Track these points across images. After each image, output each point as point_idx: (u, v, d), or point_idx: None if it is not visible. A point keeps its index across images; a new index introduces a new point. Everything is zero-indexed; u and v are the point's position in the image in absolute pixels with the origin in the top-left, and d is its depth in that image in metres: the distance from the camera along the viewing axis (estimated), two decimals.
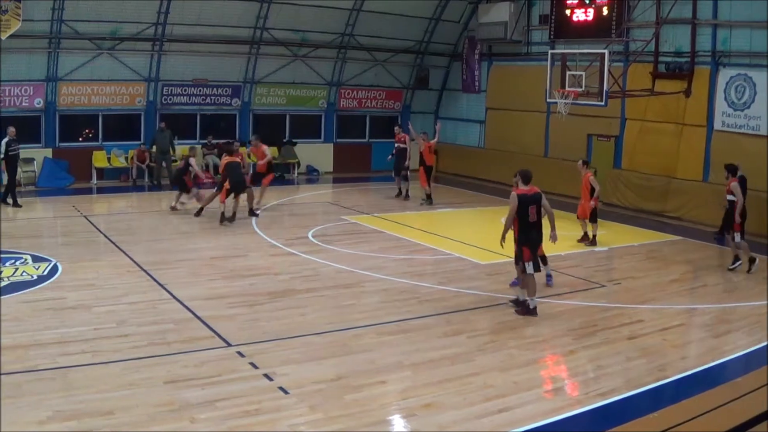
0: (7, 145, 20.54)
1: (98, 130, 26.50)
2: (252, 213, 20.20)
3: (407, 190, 24.20)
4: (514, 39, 27.80)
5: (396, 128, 24.98)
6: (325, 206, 22.22)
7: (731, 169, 16.64)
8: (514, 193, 12.20)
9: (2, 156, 20.51)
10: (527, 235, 12.19)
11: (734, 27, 20.86)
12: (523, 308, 12.42)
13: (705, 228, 20.92)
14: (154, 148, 26.15)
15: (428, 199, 23.38)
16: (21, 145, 21.26)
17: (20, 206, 20.69)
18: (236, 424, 8.03)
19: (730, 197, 16.20)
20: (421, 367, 9.93)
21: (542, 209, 12.27)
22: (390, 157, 24.91)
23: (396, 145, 24.36)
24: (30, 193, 23.04)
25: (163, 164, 26.06)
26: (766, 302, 13.51)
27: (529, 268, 12.19)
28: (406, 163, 24.01)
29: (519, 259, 12.27)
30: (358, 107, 31.51)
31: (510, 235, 12.38)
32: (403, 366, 9.99)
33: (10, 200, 20.70)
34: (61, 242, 17.35)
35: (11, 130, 20.90)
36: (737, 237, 16.11)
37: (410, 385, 9.37)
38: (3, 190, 20.96)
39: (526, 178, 12.33)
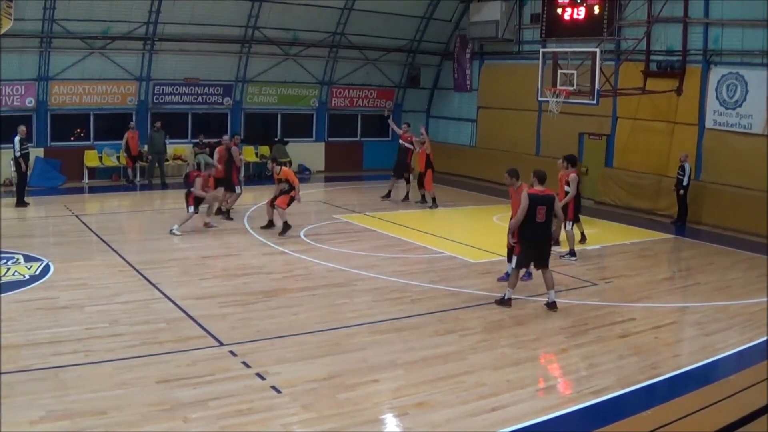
0: (20, 143, 20.53)
1: (90, 130, 26.43)
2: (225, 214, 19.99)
3: (408, 192, 23.86)
4: (506, 38, 27.82)
5: (404, 126, 24.70)
6: (316, 205, 22.20)
7: (571, 160, 16.93)
8: (525, 193, 12.52)
9: (18, 155, 20.51)
10: (528, 234, 12.51)
11: (726, 26, 20.91)
12: (500, 299, 12.86)
13: (696, 226, 21.00)
14: (146, 148, 26.13)
15: (434, 203, 22.92)
16: (11, 145, 21.14)
17: (27, 204, 20.80)
18: (229, 423, 8.02)
19: (567, 188, 16.57)
20: (414, 366, 9.94)
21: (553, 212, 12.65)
22: (387, 112, 25.92)
23: (401, 143, 23.85)
24: None
25: (156, 164, 26.00)
26: (757, 300, 13.58)
27: (514, 263, 12.80)
28: (411, 164, 23.77)
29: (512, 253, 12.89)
30: (349, 106, 31.50)
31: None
32: (395, 365, 10.00)
33: (27, 201, 20.93)
34: (53, 242, 17.30)
35: (22, 129, 20.89)
36: (569, 225, 16.64)
37: (403, 383, 9.37)
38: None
39: (542, 179, 12.75)
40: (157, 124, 25.88)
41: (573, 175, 16.61)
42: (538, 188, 12.66)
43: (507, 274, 14.46)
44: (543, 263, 12.66)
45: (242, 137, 28.05)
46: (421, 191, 23.08)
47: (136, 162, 26.07)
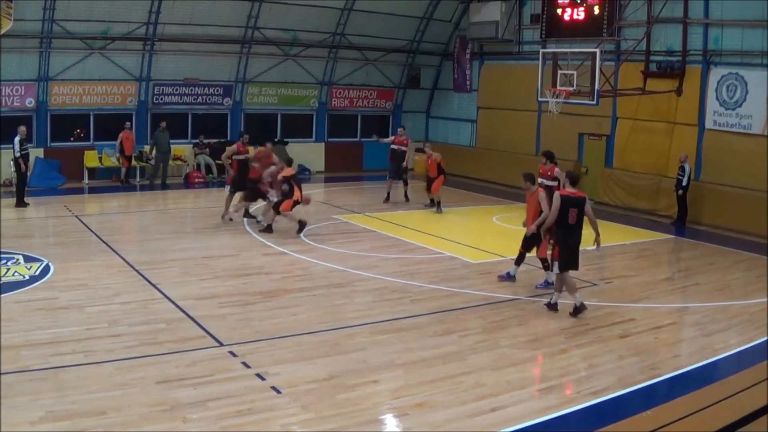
0: (20, 144, 20.50)
1: (90, 130, 26.41)
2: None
3: (406, 192, 23.77)
4: (506, 38, 27.83)
5: (399, 130, 24.76)
6: (316, 206, 22.17)
7: (549, 156, 16.73)
8: (557, 193, 12.36)
9: (18, 155, 20.48)
10: (564, 237, 12.29)
11: (725, 26, 20.92)
12: (573, 309, 12.43)
13: (696, 227, 21.01)
14: (146, 147, 26.17)
15: (438, 207, 22.40)
16: (11, 145, 21.08)
17: (27, 204, 20.79)
18: (229, 423, 8.01)
19: (551, 182, 16.01)
20: (414, 366, 9.94)
21: (584, 214, 12.35)
22: (375, 137, 24.84)
23: (396, 147, 23.72)
24: None
25: (161, 164, 25.95)
26: (757, 300, 13.59)
27: (555, 267, 12.43)
28: (408, 166, 23.71)
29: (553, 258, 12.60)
30: (349, 106, 31.51)
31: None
32: (395, 365, 10.00)
33: (26, 201, 20.92)
34: (52, 242, 17.28)
35: (22, 129, 20.86)
36: None
37: (403, 384, 9.37)
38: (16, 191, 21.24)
39: (574, 181, 12.52)
40: (162, 124, 25.77)
41: (558, 170, 16.54)
42: (569, 190, 12.40)
43: (508, 274, 14.49)
44: (572, 267, 12.45)
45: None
46: (429, 195, 22.69)
47: (130, 162, 25.98)
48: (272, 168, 18.53)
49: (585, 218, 12.42)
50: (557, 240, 12.37)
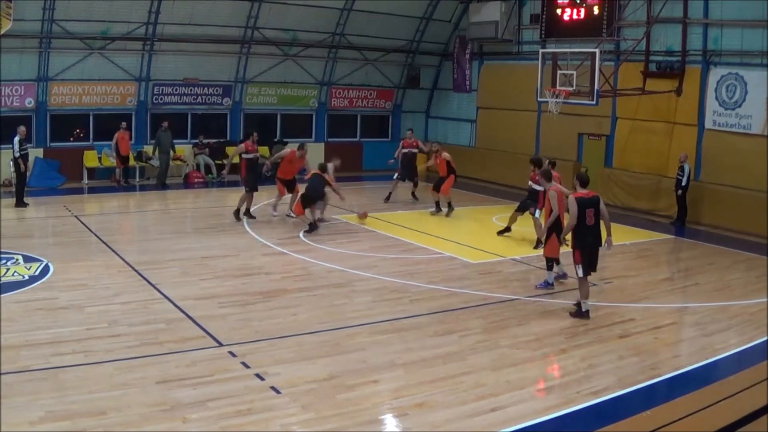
0: (19, 144, 20.49)
1: (89, 130, 26.40)
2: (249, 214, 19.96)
3: (414, 192, 23.90)
4: (505, 38, 27.81)
5: (408, 132, 24.87)
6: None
7: (536, 162, 16.96)
8: (572, 197, 12.21)
9: (18, 155, 20.47)
10: (583, 239, 12.17)
11: (725, 26, 20.90)
12: (576, 311, 12.38)
13: (696, 227, 21.01)
14: (145, 147, 26.18)
15: (449, 208, 21.82)
16: (11, 145, 21.06)
17: (27, 205, 20.80)
18: (228, 423, 8.02)
19: (539, 188, 16.12)
20: (414, 366, 9.94)
21: (600, 213, 12.24)
22: (392, 161, 24.26)
23: (407, 150, 23.77)
24: None
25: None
26: (757, 300, 13.59)
27: (579, 271, 12.22)
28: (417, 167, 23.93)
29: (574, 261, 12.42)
30: (349, 107, 31.51)
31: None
32: (395, 365, 10.00)
33: (26, 201, 20.93)
34: (52, 242, 17.29)
35: (22, 129, 20.86)
36: (537, 213, 16.86)
37: (403, 384, 9.37)
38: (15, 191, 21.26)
39: (584, 182, 12.44)
40: (165, 123, 25.73)
41: None
42: (582, 191, 12.29)
43: (558, 276, 14.37)
44: (592, 269, 12.36)
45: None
46: (435, 197, 21.97)
47: (125, 163, 25.92)
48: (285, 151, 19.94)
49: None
50: (577, 243, 12.24)
